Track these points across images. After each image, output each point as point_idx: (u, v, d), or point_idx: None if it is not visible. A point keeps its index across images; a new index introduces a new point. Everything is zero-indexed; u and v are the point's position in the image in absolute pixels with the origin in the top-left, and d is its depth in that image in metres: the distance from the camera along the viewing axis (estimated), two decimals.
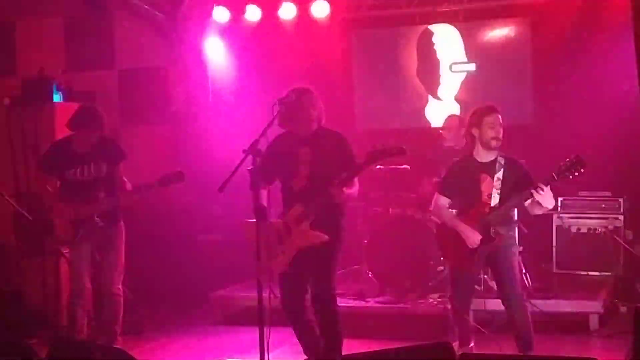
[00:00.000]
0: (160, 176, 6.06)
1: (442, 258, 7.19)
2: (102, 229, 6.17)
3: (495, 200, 5.58)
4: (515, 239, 5.95)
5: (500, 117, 5.64)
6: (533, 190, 5.37)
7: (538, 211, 5.58)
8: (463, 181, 5.73)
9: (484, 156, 5.69)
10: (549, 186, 5.39)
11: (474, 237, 5.60)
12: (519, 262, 5.82)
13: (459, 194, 5.76)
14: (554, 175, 5.37)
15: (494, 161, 5.65)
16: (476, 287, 6.42)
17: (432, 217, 7.22)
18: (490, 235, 5.58)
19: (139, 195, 6.18)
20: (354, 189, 5.43)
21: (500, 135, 5.61)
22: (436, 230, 6.40)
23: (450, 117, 8.06)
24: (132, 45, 9.52)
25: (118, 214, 6.32)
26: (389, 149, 5.12)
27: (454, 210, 5.82)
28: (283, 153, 5.49)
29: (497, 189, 5.59)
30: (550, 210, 7.99)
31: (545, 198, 5.41)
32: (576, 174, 5.34)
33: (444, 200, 5.81)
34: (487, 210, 5.58)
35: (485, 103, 5.83)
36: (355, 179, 5.38)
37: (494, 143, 5.61)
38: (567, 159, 5.36)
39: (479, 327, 6.13)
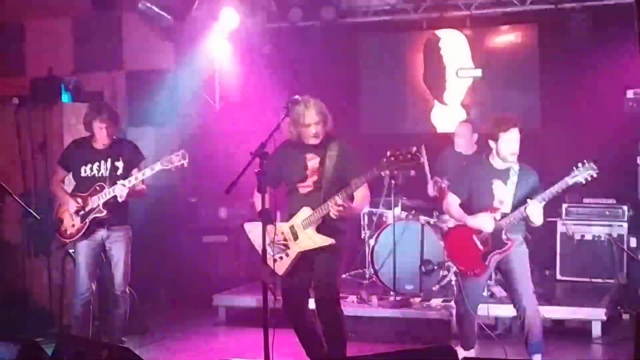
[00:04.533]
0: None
1: (446, 263, 7.22)
2: (108, 223, 6.21)
3: (507, 206, 5.61)
4: (524, 242, 5.96)
5: (518, 130, 5.59)
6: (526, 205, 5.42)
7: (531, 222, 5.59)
8: (476, 183, 5.75)
9: (499, 163, 5.71)
10: (542, 204, 5.45)
11: (488, 222, 5.59)
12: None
13: (472, 196, 5.78)
14: (567, 180, 5.40)
15: (509, 168, 5.68)
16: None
17: (442, 219, 7.27)
18: (502, 240, 5.61)
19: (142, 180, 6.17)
20: (364, 197, 5.45)
21: (518, 150, 5.61)
22: (445, 235, 6.41)
23: (462, 123, 8.03)
24: (140, 47, 9.56)
25: (125, 214, 6.33)
26: (405, 158, 5.00)
27: None
28: (291, 158, 5.51)
29: (510, 195, 5.62)
30: (555, 217, 8.09)
31: (535, 214, 5.44)
32: (589, 179, 5.36)
33: (455, 199, 5.83)
34: (498, 215, 5.61)
35: (503, 115, 5.73)
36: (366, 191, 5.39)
37: (511, 158, 5.63)
38: (580, 164, 5.38)
39: (486, 328, 6.11)
